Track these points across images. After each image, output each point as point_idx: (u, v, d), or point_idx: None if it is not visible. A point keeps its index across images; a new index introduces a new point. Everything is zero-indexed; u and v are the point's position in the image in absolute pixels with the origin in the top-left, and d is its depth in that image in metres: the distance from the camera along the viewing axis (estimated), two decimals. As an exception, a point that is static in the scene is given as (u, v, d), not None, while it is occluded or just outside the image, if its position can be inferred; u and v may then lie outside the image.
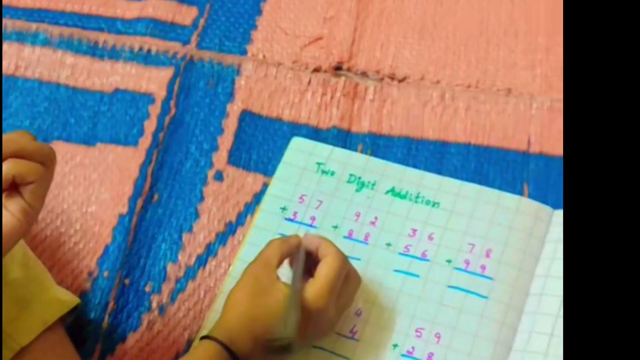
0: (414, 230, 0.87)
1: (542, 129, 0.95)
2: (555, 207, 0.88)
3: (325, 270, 0.76)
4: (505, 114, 0.96)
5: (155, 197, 0.94)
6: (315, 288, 0.75)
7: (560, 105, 0.96)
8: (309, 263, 0.78)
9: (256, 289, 0.76)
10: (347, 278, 0.79)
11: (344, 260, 0.77)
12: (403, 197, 0.90)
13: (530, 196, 0.90)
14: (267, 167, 0.95)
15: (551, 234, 0.86)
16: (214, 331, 0.75)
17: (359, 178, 0.91)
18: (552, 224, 0.87)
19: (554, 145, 0.94)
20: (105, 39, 1.06)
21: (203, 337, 0.75)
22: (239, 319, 0.74)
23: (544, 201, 0.88)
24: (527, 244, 0.85)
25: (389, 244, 0.87)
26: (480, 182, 0.91)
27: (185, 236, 0.91)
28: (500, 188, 0.90)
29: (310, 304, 0.74)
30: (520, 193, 0.90)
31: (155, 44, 1.05)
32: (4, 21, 1.07)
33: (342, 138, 0.96)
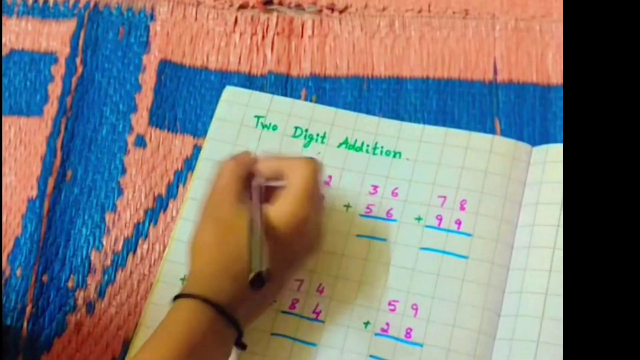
0: (375, 187, 0.77)
1: (509, 53, 0.84)
2: (532, 143, 0.78)
3: (298, 179, 0.68)
4: (465, 39, 0.86)
5: (69, 174, 0.82)
6: (292, 198, 0.67)
7: (527, 25, 0.85)
8: (268, 190, 0.70)
9: (220, 226, 0.67)
10: None
11: (317, 164, 0.69)
12: (359, 149, 0.79)
13: (503, 133, 0.81)
14: (196, 126, 0.84)
15: (532, 175, 0.76)
16: (187, 287, 0.66)
17: (306, 131, 0.80)
18: (531, 163, 0.77)
19: (524, 71, 0.83)
20: (-8, -9, 0.92)
21: (176, 297, 0.66)
22: (211, 265, 0.66)
23: (519, 137, 0.79)
24: (506, 189, 0.75)
25: (347, 206, 0.76)
26: (445, 123, 0.81)
27: (108, 217, 0.80)
28: (468, 127, 0.80)
29: (290, 217, 0.67)
30: (492, 130, 0.81)
31: (51, -7, 0.92)
32: None
33: (281, 84, 0.85)
